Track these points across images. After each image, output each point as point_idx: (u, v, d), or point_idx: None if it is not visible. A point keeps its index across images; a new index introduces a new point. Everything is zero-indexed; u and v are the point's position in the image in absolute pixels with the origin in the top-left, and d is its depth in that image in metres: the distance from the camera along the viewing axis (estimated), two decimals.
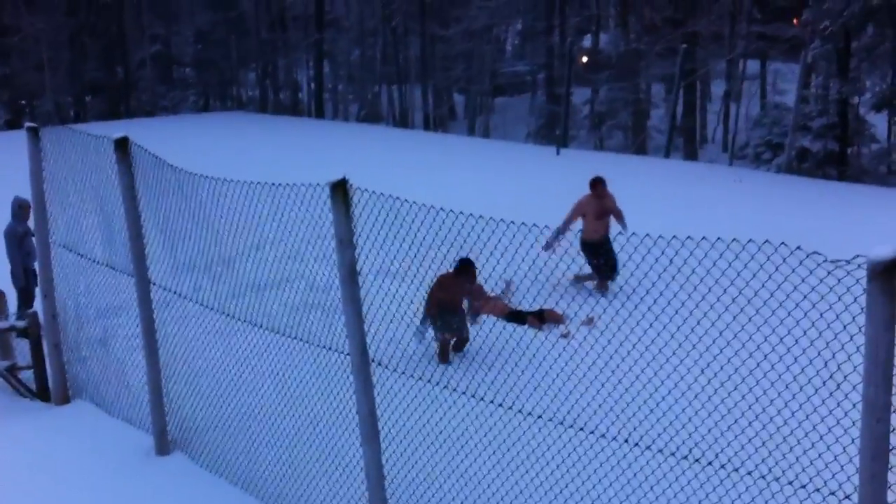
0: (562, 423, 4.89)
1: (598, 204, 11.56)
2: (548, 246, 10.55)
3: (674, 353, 4.74)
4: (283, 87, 53.30)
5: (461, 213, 4.80)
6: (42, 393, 7.86)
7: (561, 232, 10.97)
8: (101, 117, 40.50)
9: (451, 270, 9.20)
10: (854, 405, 3.23)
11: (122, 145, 6.49)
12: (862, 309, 3.10)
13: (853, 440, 3.22)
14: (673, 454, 4.41)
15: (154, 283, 6.69)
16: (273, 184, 6.04)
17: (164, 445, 6.60)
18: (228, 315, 6.59)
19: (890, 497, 3.12)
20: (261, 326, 6.29)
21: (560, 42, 46.45)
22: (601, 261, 11.34)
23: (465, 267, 9.24)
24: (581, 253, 11.30)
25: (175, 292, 6.85)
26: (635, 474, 5.12)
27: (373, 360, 4.91)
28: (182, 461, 6.48)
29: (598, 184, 11.74)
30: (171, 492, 6.06)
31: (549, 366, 7.70)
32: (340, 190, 4.84)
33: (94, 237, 7.43)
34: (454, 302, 9.18)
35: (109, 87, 48.01)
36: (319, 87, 49.57)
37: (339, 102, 52.10)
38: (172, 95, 50.53)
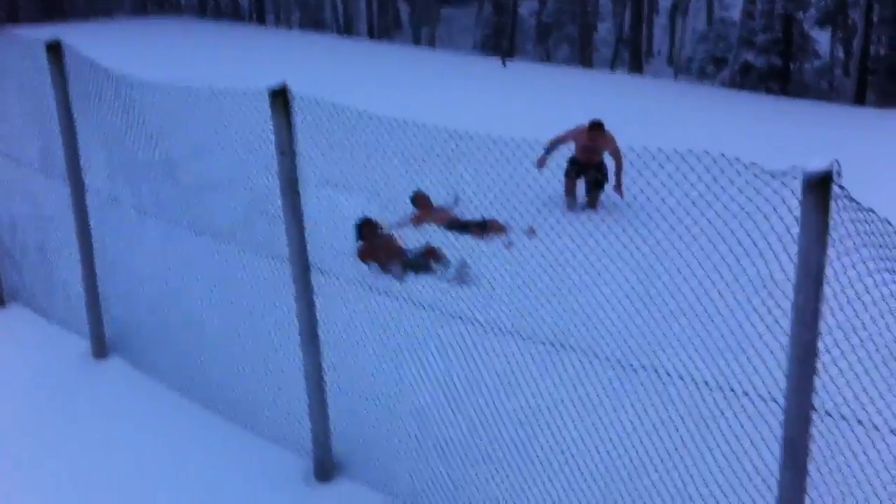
0: (502, 329, 4.96)
1: (591, 145, 11.48)
2: (541, 163, 10.59)
3: (612, 262, 4.83)
4: None
5: (405, 121, 4.76)
6: None
7: (550, 150, 10.96)
8: (33, 20, 39.01)
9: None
10: (785, 313, 3.33)
11: (55, 48, 6.29)
12: (796, 220, 3.16)
13: (782, 346, 3.32)
14: (608, 360, 4.52)
15: (90, 189, 6.57)
16: (212, 89, 5.92)
17: (101, 349, 6.58)
18: (168, 220, 6.53)
19: (814, 401, 3.24)
20: (202, 233, 6.24)
21: None
22: (588, 178, 11.42)
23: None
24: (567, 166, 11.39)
25: (112, 197, 6.75)
26: (572, 381, 5.24)
27: (313, 267, 4.91)
28: (119, 365, 6.48)
29: (593, 129, 11.53)
30: (108, 395, 6.07)
31: (491, 274, 7.81)
32: (280, 97, 4.77)
33: (28, 143, 7.25)
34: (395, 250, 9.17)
35: None
36: None
37: (282, 8, 50.80)
38: None
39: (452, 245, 8.60)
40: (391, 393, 5.46)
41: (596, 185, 11.45)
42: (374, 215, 9.99)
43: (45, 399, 6.09)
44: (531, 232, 9.45)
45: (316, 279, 4.96)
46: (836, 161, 3.09)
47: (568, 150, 11.49)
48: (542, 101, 20.32)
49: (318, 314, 4.92)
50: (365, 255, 9.16)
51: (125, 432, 5.58)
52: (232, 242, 6.15)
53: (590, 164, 11.45)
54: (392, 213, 10.31)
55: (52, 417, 5.85)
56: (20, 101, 7.21)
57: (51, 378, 6.37)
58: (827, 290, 3.17)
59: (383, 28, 48.91)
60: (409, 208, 10.73)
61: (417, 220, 10.21)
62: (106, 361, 6.56)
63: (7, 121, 7.47)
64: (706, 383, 4.12)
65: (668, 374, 4.29)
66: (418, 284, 8.24)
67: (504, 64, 28.45)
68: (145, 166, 8.47)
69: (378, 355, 5.51)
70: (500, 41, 40.50)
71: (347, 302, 5.47)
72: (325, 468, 5.06)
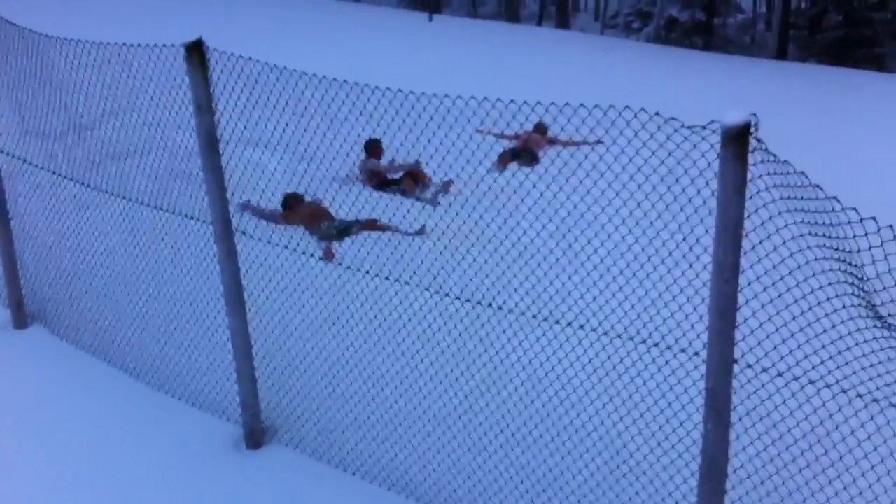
0: (429, 290, 4.95)
1: (535, 142, 11.53)
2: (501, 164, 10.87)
3: (536, 219, 4.83)
4: None
5: (325, 77, 4.67)
6: None
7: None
8: None
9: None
10: (705, 267, 3.37)
11: None
12: (715, 174, 3.18)
13: (703, 300, 3.36)
14: (529, 316, 4.54)
15: (2, 152, 6.33)
16: (126, 44, 5.72)
17: (21, 319, 6.38)
18: (85, 185, 6.32)
19: (735, 353, 3.29)
20: (121, 196, 6.07)
21: None
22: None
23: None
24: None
25: (25, 160, 6.51)
26: (497, 339, 5.26)
27: (236, 230, 4.82)
28: (41, 334, 6.29)
29: (538, 130, 11.63)
30: (30, 364, 5.89)
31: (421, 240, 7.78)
32: (196, 52, 4.63)
33: None
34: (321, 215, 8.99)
35: None
36: None
37: None
38: None
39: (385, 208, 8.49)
40: (321, 357, 5.42)
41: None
42: (300, 174, 9.82)
43: None
44: (447, 187, 9.47)
45: (241, 242, 4.86)
46: (754, 114, 3.12)
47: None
48: (470, 55, 20.23)
49: (242, 277, 4.82)
50: (287, 218, 8.92)
51: (48, 402, 5.42)
52: (152, 205, 5.98)
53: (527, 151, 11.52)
54: (318, 172, 10.14)
55: None
56: None
57: None
58: (746, 243, 3.20)
59: None
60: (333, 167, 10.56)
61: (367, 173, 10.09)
62: (26, 331, 6.36)
63: None
64: (631, 339, 4.16)
65: (594, 330, 4.32)
66: (344, 247, 8.18)
67: (430, 18, 28.20)
68: (58, 127, 8.19)
69: (306, 319, 5.46)
70: None
71: (273, 264, 5.39)
72: (256, 435, 5.00)
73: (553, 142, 11.53)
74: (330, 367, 5.36)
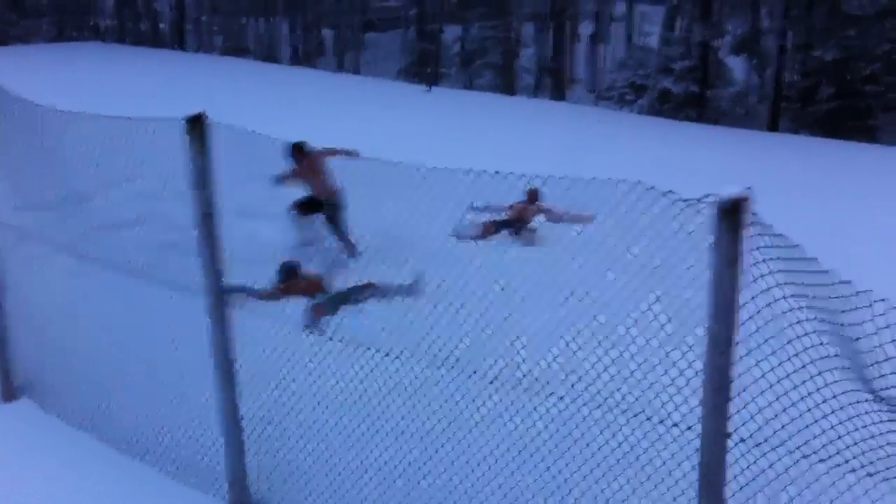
0: (421, 361, 4.91)
1: (528, 210, 11.54)
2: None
3: (529, 290, 4.83)
4: (143, 16, 51.07)
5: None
6: None
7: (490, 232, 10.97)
8: None
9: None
10: (699, 340, 3.35)
11: None
12: (710, 247, 3.18)
13: (697, 373, 3.34)
14: (522, 386, 4.51)
15: None
16: (126, 118, 5.76)
17: (9, 391, 6.32)
18: (80, 256, 6.32)
19: (729, 427, 3.25)
20: (115, 267, 6.06)
21: None
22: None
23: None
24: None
25: (20, 231, 6.52)
26: (492, 409, 5.21)
27: (229, 302, 4.79)
28: (29, 408, 6.22)
29: (531, 195, 11.27)
30: (17, 439, 5.80)
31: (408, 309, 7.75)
32: (197, 125, 4.66)
33: None
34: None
35: None
36: (181, 17, 47.72)
37: (203, 34, 50.33)
38: (24, 24, 47.66)
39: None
40: (311, 431, 5.34)
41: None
42: (294, 247, 9.84)
43: None
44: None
45: (231, 314, 4.83)
46: (749, 188, 3.14)
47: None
48: (466, 126, 20.46)
49: (233, 348, 4.78)
50: (285, 292, 8.90)
51: (34, 476, 5.33)
52: (145, 277, 5.96)
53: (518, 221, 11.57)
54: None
55: None
56: None
57: None
58: (741, 315, 3.19)
59: (307, 54, 48.79)
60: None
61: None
62: (14, 404, 6.30)
63: None
64: (624, 412, 4.12)
65: (586, 404, 4.28)
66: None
67: (428, 90, 28.59)
68: (55, 199, 8.22)
69: (297, 392, 5.40)
70: (425, 67, 40.71)
71: (264, 336, 5.35)
72: None
73: (545, 212, 11.58)
74: (320, 442, 5.29)
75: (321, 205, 10.25)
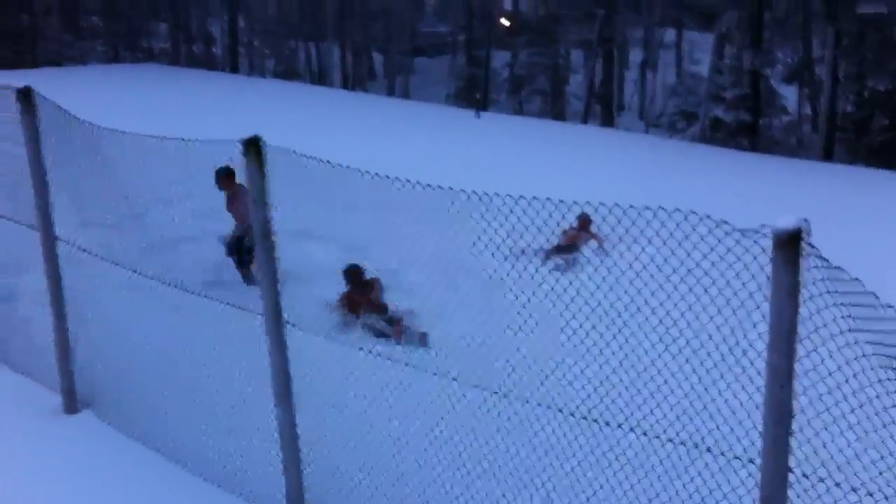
0: (476, 386, 4.91)
1: (578, 235, 11.58)
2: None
3: (587, 319, 4.80)
4: (196, 39, 51.97)
5: (377, 174, 4.75)
6: None
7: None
8: (3, 65, 38.88)
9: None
10: (759, 372, 3.32)
11: (26, 95, 6.23)
12: (768, 277, 3.16)
13: (757, 406, 3.31)
14: (581, 417, 4.48)
15: (60, 239, 6.47)
16: (182, 139, 5.87)
17: (72, 404, 6.43)
18: (138, 272, 6.44)
19: (791, 462, 3.22)
20: (171, 283, 6.15)
21: (481, 4, 46.35)
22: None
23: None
24: None
25: (83, 248, 6.66)
26: (549, 437, 5.20)
27: (287, 322, 4.84)
28: (91, 420, 6.32)
29: (582, 221, 11.51)
30: (79, 451, 5.91)
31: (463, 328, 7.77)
32: (253, 147, 4.73)
33: None
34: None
35: (12, 34, 46.04)
36: (234, 41, 48.51)
37: (255, 57, 51.08)
38: (80, 45, 48.75)
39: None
40: (366, 448, 5.36)
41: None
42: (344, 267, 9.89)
43: (12, 455, 5.90)
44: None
45: (289, 332, 4.88)
46: (805, 219, 3.11)
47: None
48: (516, 152, 20.49)
49: (291, 368, 4.83)
50: (345, 303, 9.02)
51: (95, 489, 5.42)
52: (200, 294, 6.06)
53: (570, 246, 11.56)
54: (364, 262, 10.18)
55: (20, 474, 5.65)
56: None
57: (20, 434, 6.18)
58: (800, 348, 3.16)
59: (357, 78, 49.27)
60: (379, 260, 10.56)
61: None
62: (77, 417, 6.39)
63: None
64: (682, 444, 4.08)
65: (645, 434, 4.25)
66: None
67: (477, 115, 28.71)
68: (113, 216, 8.38)
69: (353, 411, 5.43)
70: (474, 93, 40.89)
71: (322, 355, 5.40)
72: None
73: (596, 238, 11.57)
74: (376, 462, 5.30)
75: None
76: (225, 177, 9.62)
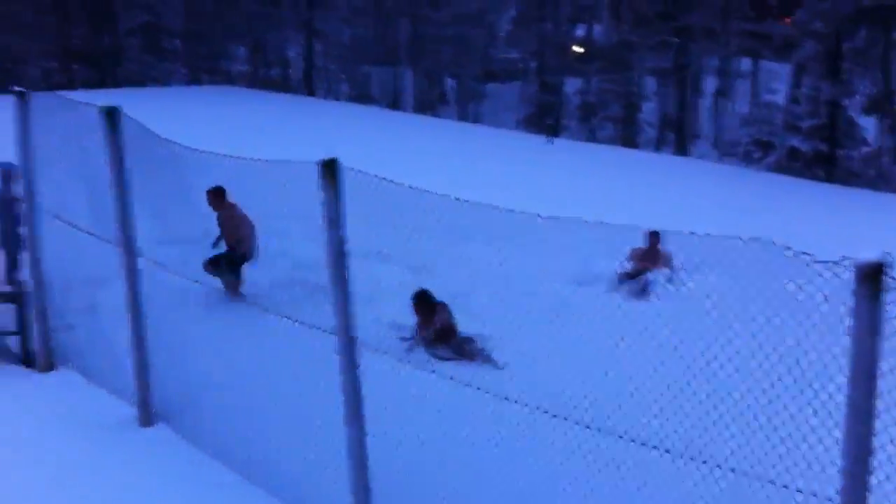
0: (548, 412, 4.88)
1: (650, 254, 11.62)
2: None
3: (660, 347, 4.76)
4: (274, 63, 52.99)
5: (457, 199, 4.77)
6: (26, 359, 7.81)
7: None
8: (88, 85, 40.12)
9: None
10: (838, 406, 3.25)
11: (111, 115, 6.41)
12: (848, 311, 3.10)
13: (836, 441, 3.24)
14: (668, 451, 4.41)
15: (140, 255, 6.64)
16: (262, 160, 5.98)
17: (147, 417, 6.55)
18: (215, 289, 6.57)
19: (871, 500, 3.14)
20: (247, 301, 6.27)
21: (553, 31, 46.45)
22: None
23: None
24: None
25: (162, 264, 6.82)
26: (630, 470, 5.14)
27: (359, 343, 4.88)
28: (165, 433, 6.41)
29: (653, 238, 11.52)
30: (151, 463, 6.01)
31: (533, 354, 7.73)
32: (330, 169, 4.79)
33: (81, 205, 7.37)
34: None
35: (97, 56, 47.54)
36: (309, 65, 49.36)
37: (331, 81, 51.87)
38: (161, 67, 50.10)
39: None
40: (437, 474, 5.35)
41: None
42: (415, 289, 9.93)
43: (89, 466, 6.02)
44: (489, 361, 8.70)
45: (359, 353, 4.92)
46: (888, 253, 3.06)
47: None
48: (587, 179, 20.40)
49: (363, 389, 4.85)
50: (422, 332, 9.04)
51: (165, 501, 5.52)
52: (275, 312, 6.15)
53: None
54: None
55: (96, 485, 5.76)
56: (74, 164, 7.35)
57: (96, 445, 6.31)
58: (881, 383, 3.09)
59: (429, 102, 49.66)
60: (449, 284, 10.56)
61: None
62: (152, 430, 6.50)
63: (62, 184, 7.60)
64: (759, 479, 4.00)
65: (719, 466, 4.18)
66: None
67: (550, 141, 28.70)
68: (192, 234, 8.59)
69: (424, 434, 5.42)
70: (545, 118, 40.91)
71: (391, 377, 5.42)
72: None
73: (665, 257, 11.40)
74: (447, 489, 5.28)
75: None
76: (215, 196, 9.55)
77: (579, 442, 4.94)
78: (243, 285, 9.66)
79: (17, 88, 7.62)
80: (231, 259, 9.60)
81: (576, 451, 5.12)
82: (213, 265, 9.32)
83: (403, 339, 9.01)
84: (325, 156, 4.78)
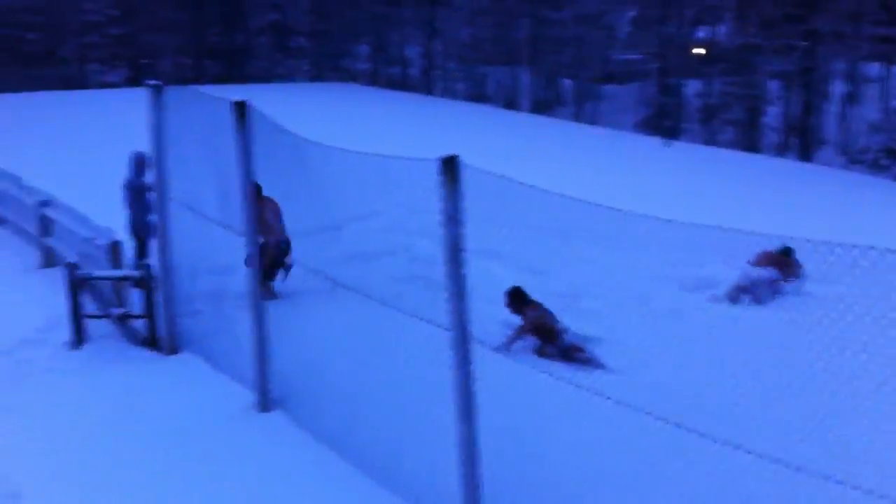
0: (681, 427, 4.79)
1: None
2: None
3: (784, 357, 4.63)
4: (394, 61, 53.68)
5: (578, 199, 4.74)
6: (152, 342, 8.14)
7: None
8: (217, 81, 41.46)
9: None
10: None
11: (241, 109, 6.61)
12: None
13: None
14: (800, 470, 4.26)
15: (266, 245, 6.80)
16: (381, 155, 6.06)
17: (265, 403, 6.73)
18: (334, 281, 6.69)
19: None
20: (364, 294, 6.35)
21: (675, 32, 45.62)
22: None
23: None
24: None
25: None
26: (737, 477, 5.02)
27: (475, 340, 4.88)
28: (281, 420, 6.56)
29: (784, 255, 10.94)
30: (267, 448, 6.16)
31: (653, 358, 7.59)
32: (451, 166, 4.81)
33: (209, 196, 7.61)
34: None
35: (227, 52, 49.15)
36: (429, 64, 49.83)
37: (448, 80, 52.19)
38: (287, 64, 51.44)
39: None
40: (548, 475, 5.30)
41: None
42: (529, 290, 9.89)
43: (203, 448, 6.25)
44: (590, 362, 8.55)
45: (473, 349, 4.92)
46: None
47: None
48: (706, 183, 19.96)
49: (475, 385, 4.85)
50: (527, 329, 9.00)
51: (278, 488, 5.65)
52: (391, 306, 6.22)
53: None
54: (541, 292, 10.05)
55: (211, 469, 5.97)
56: (203, 154, 7.59)
57: (215, 428, 6.53)
58: None
59: (545, 102, 49.44)
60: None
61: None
62: (269, 415, 6.67)
63: (189, 171, 7.85)
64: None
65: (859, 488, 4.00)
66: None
67: (668, 144, 28.20)
68: (313, 227, 8.75)
69: (531, 434, 5.40)
70: (663, 121, 40.21)
71: (502, 374, 5.41)
72: None
73: (791, 266, 10.99)
74: (559, 492, 5.23)
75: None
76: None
77: (690, 449, 4.85)
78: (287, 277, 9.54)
79: (152, 82, 7.94)
80: (273, 260, 9.38)
81: (686, 458, 5.03)
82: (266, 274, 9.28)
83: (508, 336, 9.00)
84: (441, 153, 4.79)
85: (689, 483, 5.17)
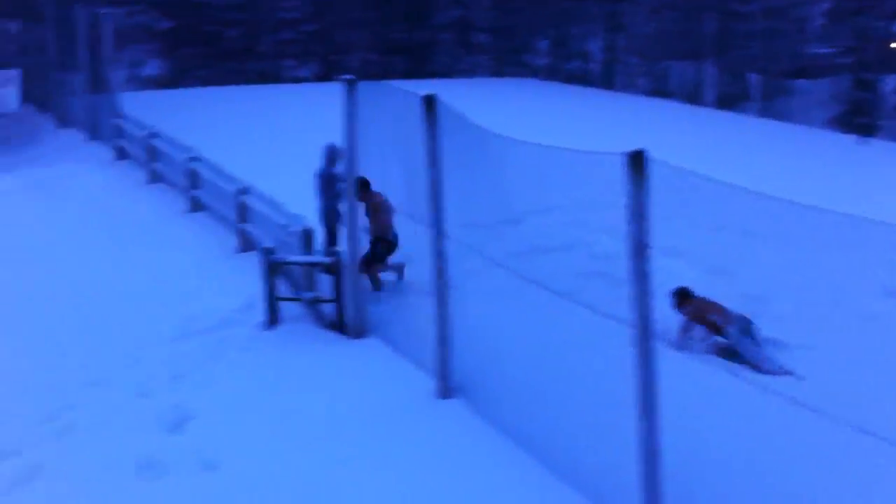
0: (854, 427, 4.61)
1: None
2: None
3: None
4: (574, 56, 53.32)
5: (769, 196, 4.61)
6: (339, 326, 8.45)
7: None
8: (402, 76, 42.40)
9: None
10: None
11: (429, 102, 6.76)
12: None
13: None
14: None
15: (448, 237, 6.94)
16: (565, 149, 6.06)
17: (444, 390, 6.86)
18: (513, 273, 6.75)
19: None
20: (544, 287, 6.38)
21: (872, 24, 43.08)
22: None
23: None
24: None
25: (465, 245, 7.05)
26: None
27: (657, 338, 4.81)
28: (460, 407, 6.67)
29: None
30: (444, 434, 6.28)
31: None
32: (637, 161, 4.76)
33: (396, 186, 7.81)
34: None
35: (412, 48, 50.26)
36: (611, 58, 49.25)
37: (629, 75, 51.36)
38: (469, 59, 52.06)
39: None
40: (735, 479, 5.16)
41: None
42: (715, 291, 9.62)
43: (384, 431, 6.43)
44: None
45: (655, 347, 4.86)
46: None
47: None
48: None
49: (658, 384, 4.78)
50: (694, 316, 8.82)
51: (456, 474, 5.76)
52: (572, 300, 6.22)
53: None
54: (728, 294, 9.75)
55: (389, 450, 6.16)
56: (392, 146, 7.80)
57: (394, 412, 6.72)
58: None
59: (730, 97, 47.82)
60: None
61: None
62: (448, 402, 6.79)
63: (378, 163, 8.10)
64: None
65: None
66: None
67: (862, 141, 26.73)
68: (493, 219, 8.86)
69: (712, 434, 5.29)
70: (858, 118, 38.09)
71: (683, 373, 5.32)
72: None
73: None
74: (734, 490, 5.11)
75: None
76: (361, 186, 9.28)
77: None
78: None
79: (346, 77, 8.24)
80: (376, 253, 9.46)
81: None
82: (369, 265, 9.26)
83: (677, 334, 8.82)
84: (623, 148, 4.74)
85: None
